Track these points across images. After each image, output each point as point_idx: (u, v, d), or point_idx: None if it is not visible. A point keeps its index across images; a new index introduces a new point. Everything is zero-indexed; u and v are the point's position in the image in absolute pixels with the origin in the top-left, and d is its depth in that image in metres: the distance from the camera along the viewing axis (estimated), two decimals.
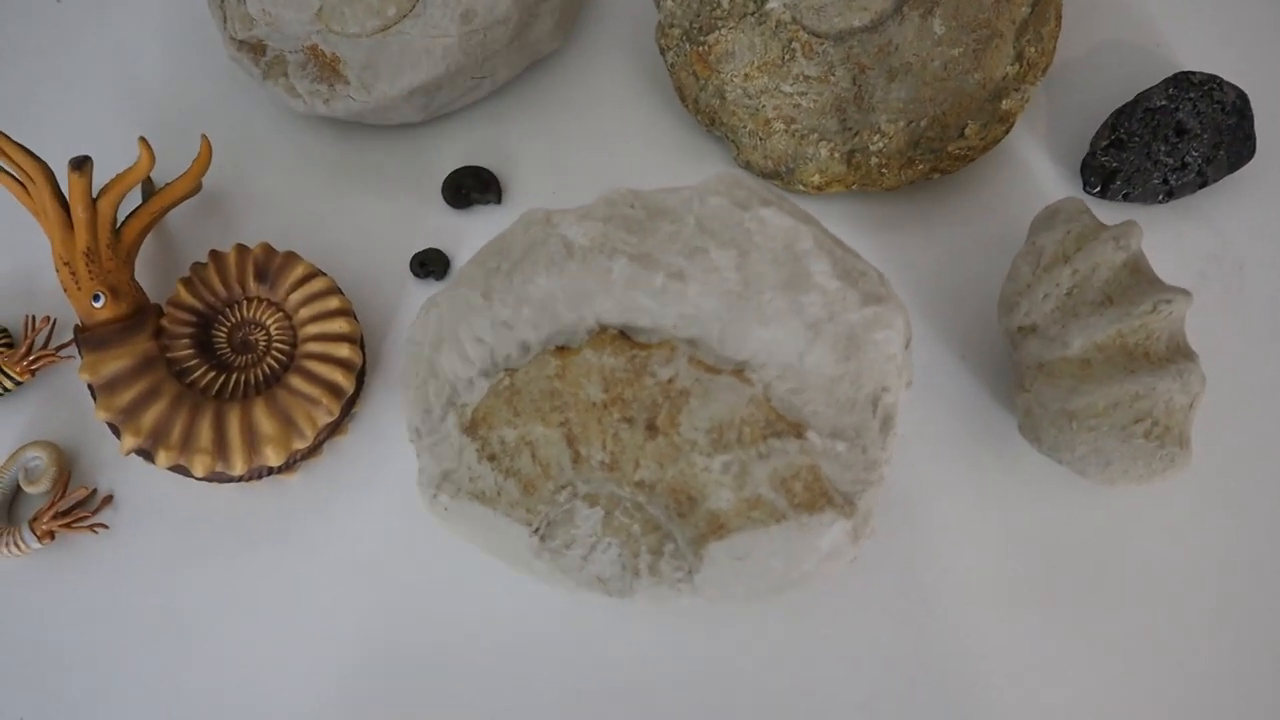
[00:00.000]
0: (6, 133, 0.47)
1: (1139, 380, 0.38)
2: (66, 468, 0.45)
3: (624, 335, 0.34)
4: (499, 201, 0.48)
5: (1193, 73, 0.47)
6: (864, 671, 0.41)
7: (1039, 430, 0.40)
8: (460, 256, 0.47)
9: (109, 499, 0.44)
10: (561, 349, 0.34)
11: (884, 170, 0.46)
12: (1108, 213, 0.47)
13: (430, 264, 0.46)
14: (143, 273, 0.47)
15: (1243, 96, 0.46)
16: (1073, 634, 0.41)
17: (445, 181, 0.48)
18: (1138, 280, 0.40)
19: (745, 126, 0.47)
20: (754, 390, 0.33)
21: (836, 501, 0.33)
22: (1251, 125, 0.47)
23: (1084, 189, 0.47)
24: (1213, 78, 0.47)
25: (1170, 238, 0.47)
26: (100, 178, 0.49)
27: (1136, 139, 0.46)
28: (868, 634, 0.41)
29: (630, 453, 0.33)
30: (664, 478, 0.33)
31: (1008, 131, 0.46)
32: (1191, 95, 0.46)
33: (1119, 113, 0.47)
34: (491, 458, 0.35)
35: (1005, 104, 0.46)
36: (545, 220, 0.35)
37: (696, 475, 0.33)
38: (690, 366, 0.33)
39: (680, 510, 0.33)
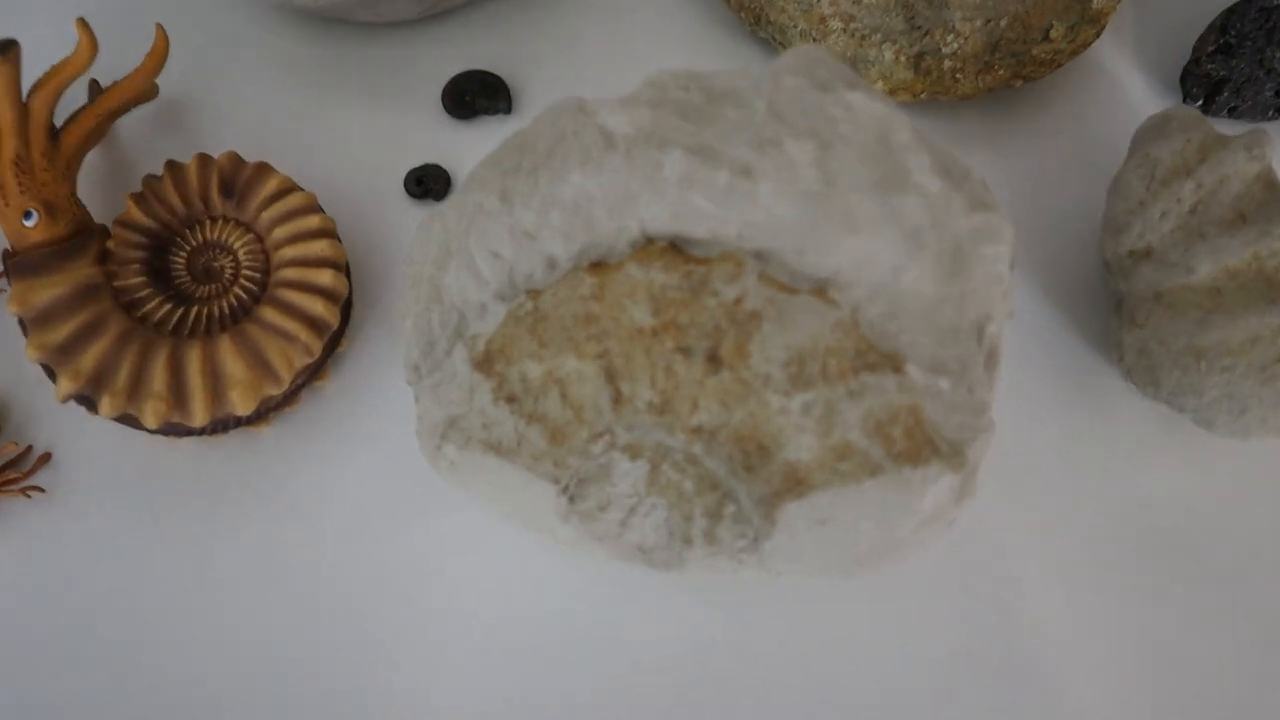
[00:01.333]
0: None
1: None
2: None
3: (675, 248, 0.28)
4: (509, 111, 0.41)
5: None
6: (939, 656, 0.34)
7: (1156, 372, 0.34)
8: (463, 173, 0.40)
9: (46, 457, 0.37)
10: (598, 265, 0.28)
11: (958, 76, 0.39)
12: None
13: (428, 182, 0.39)
14: (87, 192, 0.40)
15: None
16: (1186, 615, 0.35)
17: (446, 88, 0.41)
18: (1274, 196, 0.33)
19: (796, 25, 0.40)
20: (840, 313, 0.27)
21: (943, 451, 0.27)
22: None
23: (1185, 100, 0.41)
24: None
25: None
26: (33, 73, 0.42)
27: (1249, 44, 0.40)
28: (943, 616, 0.35)
29: (686, 391, 0.27)
30: (729, 422, 0.27)
31: (1099, 34, 0.39)
32: None
33: (1229, 12, 0.40)
34: (510, 399, 0.28)
35: (1096, 2, 0.39)
36: (578, 109, 0.29)
37: (771, 419, 0.26)
38: (761, 284, 0.27)
39: (748, 463, 0.27)
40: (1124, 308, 0.35)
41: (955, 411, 0.28)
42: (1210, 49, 0.40)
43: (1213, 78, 0.40)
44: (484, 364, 0.29)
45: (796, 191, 0.27)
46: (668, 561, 0.30)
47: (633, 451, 0.28)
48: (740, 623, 0.35)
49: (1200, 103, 0.41)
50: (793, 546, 0.28)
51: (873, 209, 0.27)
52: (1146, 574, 0.35)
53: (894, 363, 0.27)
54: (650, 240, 0.28)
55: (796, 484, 0.27)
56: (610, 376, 0.27)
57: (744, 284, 0.27)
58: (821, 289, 0.27)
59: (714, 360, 0.27)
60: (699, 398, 0.27)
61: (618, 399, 0.27)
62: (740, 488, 0.27)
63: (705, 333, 0.27)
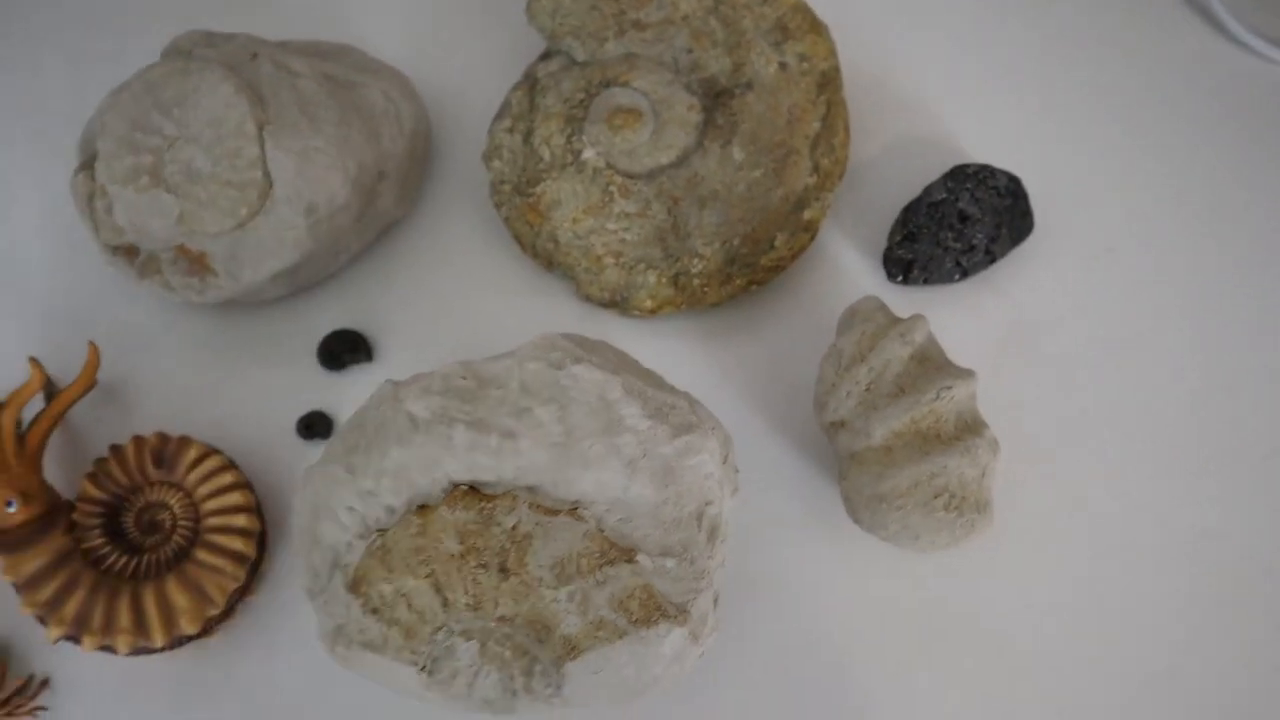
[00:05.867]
0: None
1: (932, 461, 0.43)
2: (3, 658, 0.49)
3: (474, 490, 0.39)
4: (370, 359, 0.53)
5: (967, 165, 0.53)
6: None
7: (857, 512, 0.46)
8: (342, 415, 0.52)
9: (45, 683, 0.48)
10: (423, 508, 0.39)
11: (706, 289, 0.51)
12: (911, 298, 0.53)
13: (315, 426, 0.51)
14: (51, 463, 0.51)
15: (1014, 179, 0.53)
16: (924, 690, 0.46)
17: (319, 347, 0.52)
18: (925, 369, 0.45)
19: (580, 264, 0.52)
20: (588, 525, 0.38)
21: (670, 612, 0.39)
22: (1027, 202, 0.53)
23: (888, 279, 0.53)
24: (985, 167, 0.53)
25: (971, 312, 0.53)
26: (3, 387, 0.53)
27: (926, 230, 0.52)
28: (742, 709, 0.46)
29: (489, 594, 0.38)
30: (521, 611, 0.38)
31: (812, 239, 0.52)
32: (968, 185, 0.52)
33: (907, 209, 0.53)
34: (374, 611, 0.40)
35: (807, 214, 0.52)
36: (393, 396, 0.41)
37: (547, 606, 0.38)
38: (531, 511, 0.38)
39: (539, 637, 0.38)
40: (836, 464, 0.47)
41: (679, 581, 0.39)
42: (898, 238, 0.53)
43: (904, 260, 0.53)
44: (354, 587, 0.40)
45: (547, 443, 0.39)
46: (506, 709, 0.41)
47: (466, 635, 0.39)
48: None
49: (900, 278, 0.53)
50: (582, 691, 0.39)
51: (601, 449, 0.39)
52: (890, 656, 0.47)
53: (628, 555, 0.39)
54: (455, 486, 0.39)
55: (572, 649, 0.38)
56: (438, 589, 0.39)
57: (519, 513, 0.38)
58: (574, 509, 0.39)
59: (504, 570, 0.38)
60: (498, 598, 0.38)
61: (446, 603, 0.39)
62: (540, 653, 0.39)
63: (496, 552, 0.38)
